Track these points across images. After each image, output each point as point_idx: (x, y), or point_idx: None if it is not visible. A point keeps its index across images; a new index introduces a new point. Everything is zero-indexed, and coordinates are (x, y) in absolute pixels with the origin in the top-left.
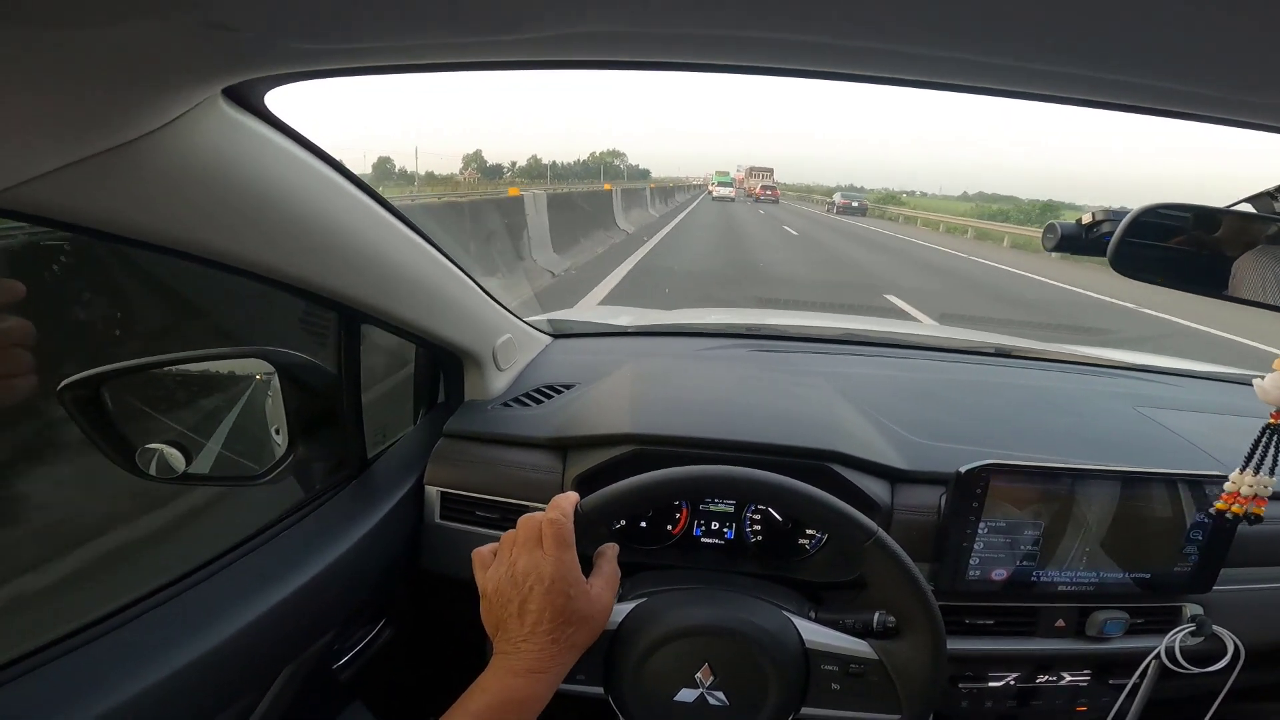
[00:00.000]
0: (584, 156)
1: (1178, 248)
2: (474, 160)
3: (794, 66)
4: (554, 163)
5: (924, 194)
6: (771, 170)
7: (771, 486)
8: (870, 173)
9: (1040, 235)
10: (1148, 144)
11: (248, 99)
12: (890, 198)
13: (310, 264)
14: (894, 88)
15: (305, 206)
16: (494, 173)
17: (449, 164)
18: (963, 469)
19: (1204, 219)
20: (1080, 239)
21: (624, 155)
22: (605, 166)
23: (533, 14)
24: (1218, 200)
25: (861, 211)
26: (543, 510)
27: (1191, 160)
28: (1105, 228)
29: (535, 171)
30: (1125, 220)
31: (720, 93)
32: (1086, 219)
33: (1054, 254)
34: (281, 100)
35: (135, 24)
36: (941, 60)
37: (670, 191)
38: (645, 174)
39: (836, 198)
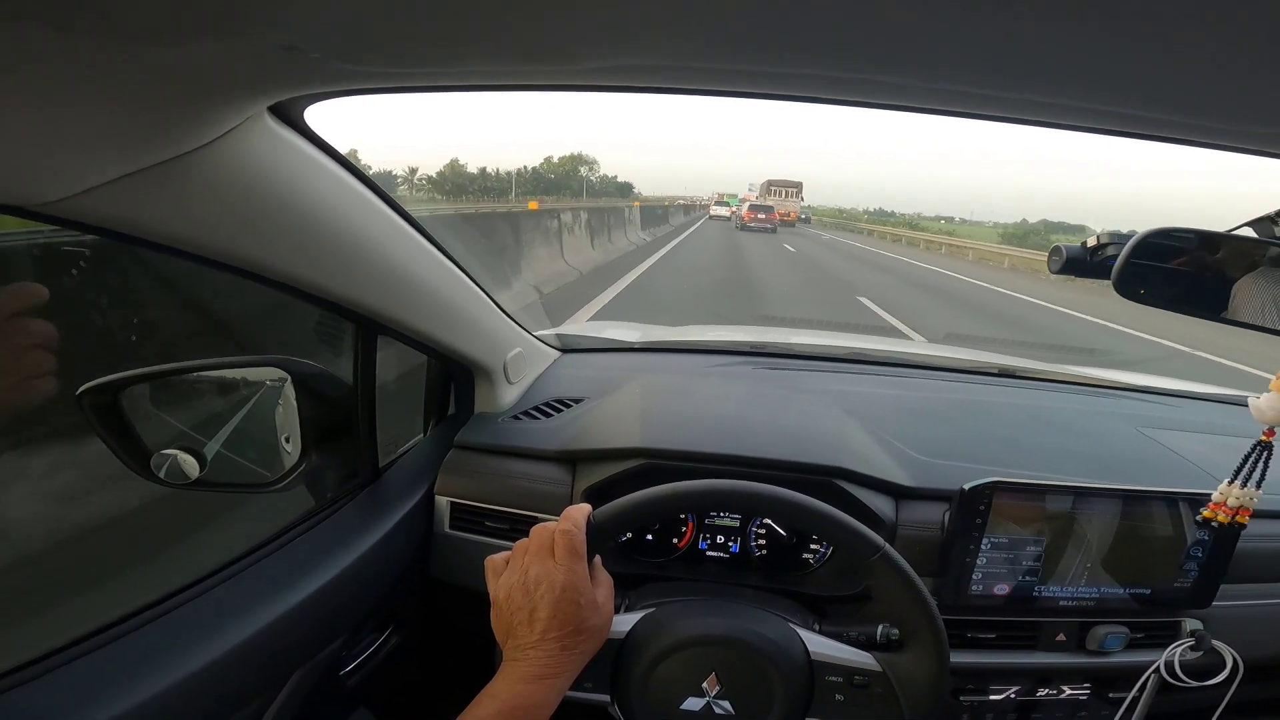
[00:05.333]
0: (536, 163)
1: (1180, 271)
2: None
3: (817, 95)
4: (484, 169)
5: (961, 220)
6: (799, 186)
7: (781, 501)
8: (902, 197)
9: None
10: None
11: (289, 114)
12: (837, 214)
13: (337, 275)
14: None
15: (335, 219)
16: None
17: None
18: (966, 486)
19: (1205, 243)
20: (1085, 262)
21: (594, 163)
22: (568, 176)
23: (570, 50)
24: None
25: (806, 221)
26: (554, 521)
27: (1207, 181)
28: (1109, 251)
29: (456, 182)
30: (1130, 244)
31: (735, 106)
32: (1091, 242)
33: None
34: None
35: (209, 42)
36: (962, 94)
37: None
38: (627, 189)
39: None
